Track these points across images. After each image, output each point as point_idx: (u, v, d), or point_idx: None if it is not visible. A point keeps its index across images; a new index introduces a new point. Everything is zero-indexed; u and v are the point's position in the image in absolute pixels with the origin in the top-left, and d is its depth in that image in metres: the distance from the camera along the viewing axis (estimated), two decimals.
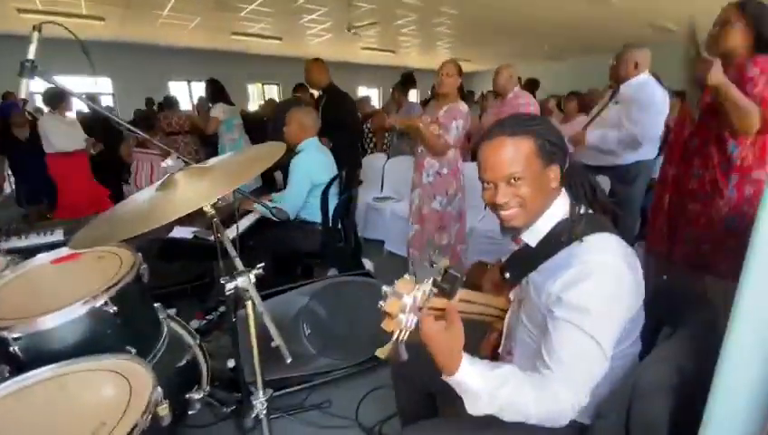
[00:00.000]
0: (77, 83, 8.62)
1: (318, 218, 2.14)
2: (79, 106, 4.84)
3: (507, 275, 0.95)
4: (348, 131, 3.21)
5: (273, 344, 1.86)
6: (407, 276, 0.64)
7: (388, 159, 3.89)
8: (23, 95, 0.98)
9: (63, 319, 0.84)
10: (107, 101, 8.80)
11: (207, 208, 0.82)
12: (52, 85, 1.05)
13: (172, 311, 1.55)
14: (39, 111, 4.02)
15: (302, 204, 2.13)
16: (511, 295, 1.00)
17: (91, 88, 8.10)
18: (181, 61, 9.36)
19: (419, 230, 2.47)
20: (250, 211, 2.16)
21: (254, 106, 9.80)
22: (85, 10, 6.02)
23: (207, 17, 6.74)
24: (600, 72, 3.25)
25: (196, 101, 6.92)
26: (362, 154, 4.29)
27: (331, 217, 2.13)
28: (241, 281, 0.82)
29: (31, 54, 0.95)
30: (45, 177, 3.50)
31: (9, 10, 5.95)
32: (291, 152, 2.33)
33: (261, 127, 4.53)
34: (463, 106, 2.26)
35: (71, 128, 3.34)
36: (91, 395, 0.75)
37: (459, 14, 6.74)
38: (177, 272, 2.42)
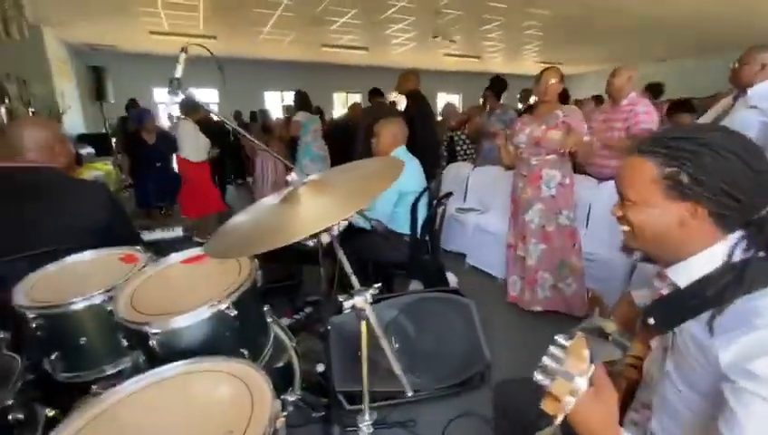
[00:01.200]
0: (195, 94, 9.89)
1: (406, 229, 2.11)
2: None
3: (652, 320, 0.81)
4: (425, 136, 3.19)
5: (360, 353, 1.84)
6: (579, 335, 0.55)
7: (474, 167, 3.76)
8: (168, 109, 1.10)
9: (193, 320, 0.90)
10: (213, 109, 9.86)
11: None
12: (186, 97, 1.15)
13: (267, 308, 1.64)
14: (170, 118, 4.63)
15: (391, 214, 2.13)
16: (653, 342, 0.85)
17: (201, 97, 9.16)
18: (275, 72, 10.20)
19: (547, 250, 2.29)
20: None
21: (337, 113, 10.28)
22: (202, 30, 6.84)
23: (302, 32, 7.22)
24: (708, 74, 2.80)
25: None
26: (451, 162, 4.22)
27: (419, 229, 2.10)
28: (359, 301, 0.81)
29: (178, 73, 1.06)
30: (166, 178, 4.08)
31: (144, 33, 7.01)
32: None
33: (346, 131, 4.71)
34: (578, 110, 2.12)
35: (200, 138, 3.94)
36: (214, 398, 0.78)
37: (551, 15, 6.33)
38: (271, 271, 2.57)
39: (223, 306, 0.92)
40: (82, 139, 6.66)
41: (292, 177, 0.89)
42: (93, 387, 1.05)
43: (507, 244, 2.55)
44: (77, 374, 1.04)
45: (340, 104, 11.67)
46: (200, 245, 2.09)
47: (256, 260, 1.08)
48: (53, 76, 6.45)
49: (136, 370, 1.10)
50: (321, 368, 1.68)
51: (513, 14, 6.27)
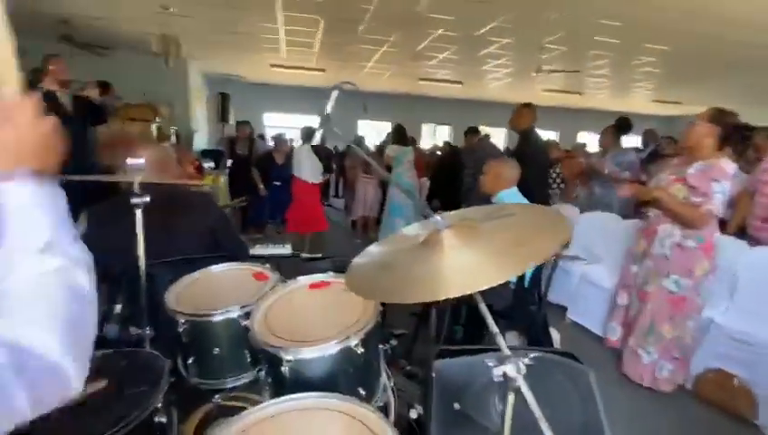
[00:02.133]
0: (295, 120, 10.93)
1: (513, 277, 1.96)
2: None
3: None
4: (537, 177, 2.99)
5: (456, 407, 1.70)
6: None
7: (581, 212, 3.44)
8: (315, 142, 1.17)
9: (324, 352, 0.89)
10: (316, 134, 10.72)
11: None
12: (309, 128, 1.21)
13: None
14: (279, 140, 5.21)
15: None
16: None
17: (305, 124, 10.07)
18: (372, 103, 10.80)
19: (641, 310, 2.00)
20: None
21: (425, 144, 10.44)
22: (315, 64, 7.55)
23: (402, 66, 7.56)
24: None
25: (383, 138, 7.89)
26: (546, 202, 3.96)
27: (528, 278, 1.93)
28: (511, 369, 0.73)
29: (328, 109, 1.12)
30: (282, 197, 4.57)
31: (265, 65, 7.94)
32: (486, 201, 2.27)
33: (449, 165, 4.79)
34: (727, 165, 1.77)
35: (316, 162, 4.36)
36: None
37: (671, 51, 5.74)
38: None
39: (353, 343, 0.90)
40: (205, 154, 7.67)
41: (436, 218, 0.85)
42: (216, 397, 1.10)
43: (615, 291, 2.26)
44: (204, 381, 1.10)
45: (428, 135, 11.87)
46: (311, 259, 2.19)
47: None
48: (191, 101, 7.60)
49: (251, 386, 1.14)
50: (414, 414, 1.58)
51: (625, 49, 5.84)
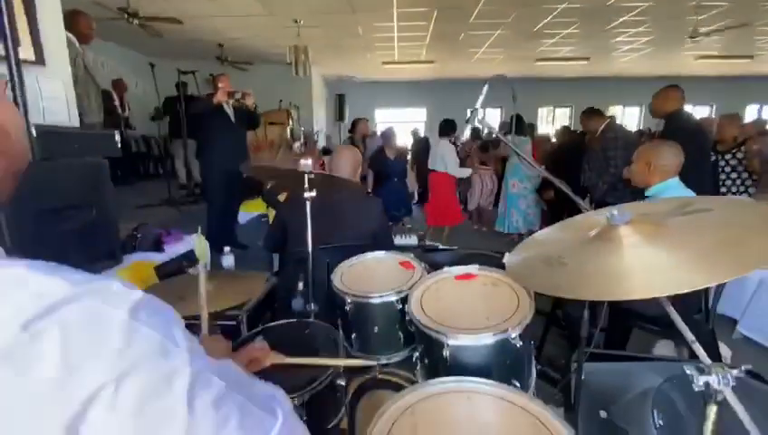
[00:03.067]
0: (398, 114, 11.19)
1: None
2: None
3: None
4: (696, 167, 2.52)
5: (602, 415, 1.58)
6: None
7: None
8: (464, 138, 1.21)
9: (481, 341, 0.93)
10: (420, 126, 10.84)
11: None
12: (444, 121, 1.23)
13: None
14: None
15: None
16: None
17: (410, 117, 10.23)
18: (478, 90, 10.42)
19: None
20: None
21: (542, 129, 9.66)
22: (424, 57, 7.61)
23: (516, 49, 7.11)
24: None
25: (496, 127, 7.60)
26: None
27: None
28: (715, 381, 0.66)
29: (478, 104, 1.14)
30: (403, 192, 4.70)
31: (377, 64, 8.29)
32: (637, 196, 2.02)
33: (568, 152, 4.35)
34: None
35: (454, 155, 4.40)
36: (508, 429, 0.78)
37: None
38: None
39: (512, 335, 0.92)
40: (326, 152, 8.45)
41: (612, 212, 0.80)
42: (373, 370, 1.23)
43: None
44: (364, 355, 1.24)
45: (545, 119, 10.95)
46: (432, 250, 2.27)
47: (532, 292, 1.04)
48: (314, 103, 8.41)
49: (402, 364, 1.24)
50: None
51: None
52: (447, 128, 4.25)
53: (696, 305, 1.79)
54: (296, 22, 5.39)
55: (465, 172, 4.42)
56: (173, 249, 2.26)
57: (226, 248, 1.97)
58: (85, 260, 1.63)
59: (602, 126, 3.20)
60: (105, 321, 0.30)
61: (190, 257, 1.93)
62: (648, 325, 1.91)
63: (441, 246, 2.58)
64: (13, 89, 1.52)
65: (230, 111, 3.52)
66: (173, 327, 0.35)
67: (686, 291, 0.62)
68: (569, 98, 10.41)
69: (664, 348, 1.88)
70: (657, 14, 5.24)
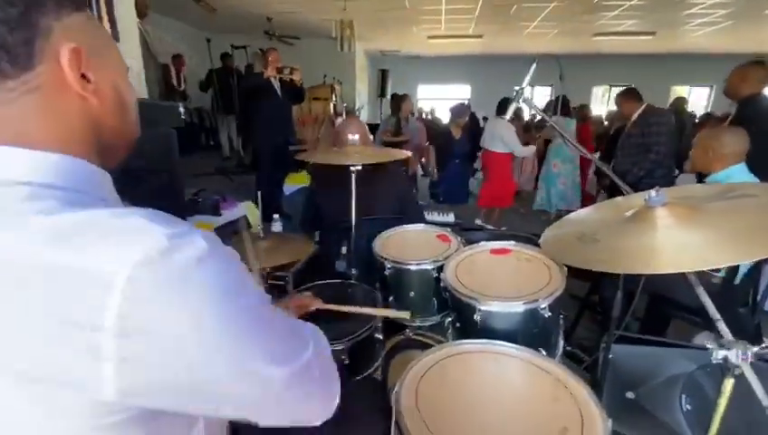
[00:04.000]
0: (442, 90, 10.88)
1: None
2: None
3: None
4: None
5: (628, 395, 1.61)
6: None
7: None
8: (508, 117, 1.24)
9: (511, 308, 1.00)
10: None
11: None
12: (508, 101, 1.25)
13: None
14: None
15: None
16: None
17: (453, 94, 9.97)
18: (527, 67, 9.92)
19: None
20: None
21: (597, 109, 9.12)
22: (472, 31, 7.34)
23: (572, 22, 6.68)
24: None
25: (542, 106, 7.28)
26: None
27: (742, 273, 1.61)
28: (734, 355, 0.70)
29: (524, 83, 1.16)
30: (461, 177, 4.45)
31: (423, 38, 8.11)
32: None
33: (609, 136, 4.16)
34: None
35: (513, 134, 4.07)
36: (538, 391, 0.84)
37: None
38: None
39: (541, 305, 0.98)
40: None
41: (650, 194, 0.82)
42: (407, 330, 1.34)
43: None
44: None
45: (600, 100, 10.29)
46: (469, 229, 2.32)
47: (566, 268, 1.09)
48: (356, 80, 8.42)
49: (434, 328, 1.34)
50: None
51: None
52: (503, 107, 4.05)
53: (743, 299, 1.73)
54: None
55: (530, 151, 4.16)
56: (229, 214, 2.47)
57: (275, 216, 2.14)
58: None
59: (639, 110, 2.97)
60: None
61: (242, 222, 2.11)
62: (689, 316, 1.87)
63: (483, 225, 2.57)
64: None
65: (277, 86, 3.66)
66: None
67: (712, 268, 0.65)
68: (628, 76, 9.67)
69: (703, 340, 1.84)
70: None
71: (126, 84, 0.53)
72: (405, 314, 1.13)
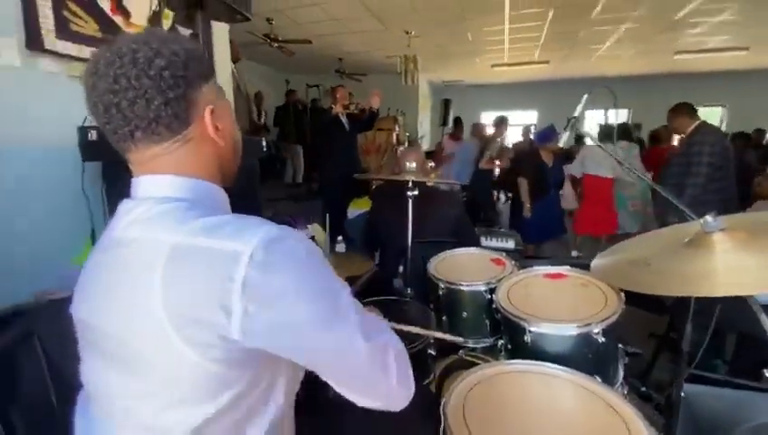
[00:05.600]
0: (512, 116, 10.72)
1: None
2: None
3: None
4: None
5: None
6: None
7: None
8: (561, 144, 1.28)
9: (563, 331, 1.01)
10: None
11: None
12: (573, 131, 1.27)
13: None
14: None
15: None
16: None
17: (520, 119, 9.82)
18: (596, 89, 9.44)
19: None
20: None
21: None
22: (537, 57, 7.28)
23: (649, 42, 6.32)
24: None
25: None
26: None
27: None
28: None
29: (576, 113, 1.20)
30: (552, 211, 3.94)
31: (486, 67, 8.20)
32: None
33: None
34: None
35: (604, 158, 3.94)
36: (580, 410, 0.85)
37: None
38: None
39: (594, 330, 0.98)
40: (427, 155, 8.71)
41: (707, 219, 0.81)
42: (460, 351, 1.37)
43: None
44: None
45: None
46: (531, 257, 2.29)
47: (623, 294, 1.07)
48: (419, 109, 8.72)
49: (488, 350, 1.35)
50: None
51: None
52: (607, 133, 4.11)
53: None
54: (408, 33, 5.72)
55: (603, 173, 3.96)
56: None
57: (339, 238, 2.32)
58: None
59: (692, 127, 2.70)
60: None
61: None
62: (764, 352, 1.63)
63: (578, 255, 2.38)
64: None
65: (345, 121, 3.98)
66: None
67: (756, 292, 0.63)
68: (719, 95, 8.76)
69: None
70: None
71: (236, 129, 0.72)
72: (458, 339, 1.18)
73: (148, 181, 0.59)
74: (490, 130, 5.11)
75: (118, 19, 2.34)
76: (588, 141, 4.29)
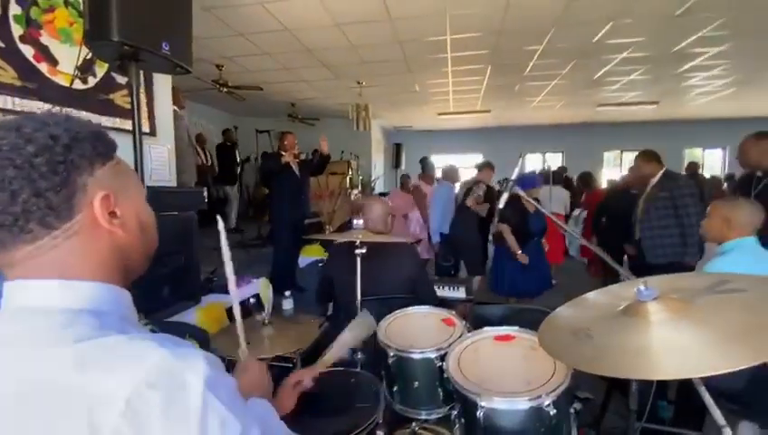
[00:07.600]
0: (454, 160, 11.32)
1: None
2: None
3: None
4: None
5: None
6: None
7: None
8: (501, 205, 1.31)
9: (513, 406, 0.96)
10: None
11: None
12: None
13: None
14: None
15: None
16: None
17: (466, 162, 10.34)
18: (536, 136, 10.31)
19: None
20: None
21: (610, 174, 9.23)
22: (479, 107, 7.83)
23: (576, 96, 7.06)
24: None
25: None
26: None
27: None
28: None
29: (514, 175, 1.24)
30: (537, 260, 3.64)
31: (433, 115, 8.65)
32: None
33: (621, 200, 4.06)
34: None
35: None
36: None
37: None
38: None
39: (544, 403, 0.94)
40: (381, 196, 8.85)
41: (640, 288, 0.83)
42: (413, 424, 1.28)
43: None
44: (404, 408, 1.29)
45: (612, 163, 10.43)
46: (481, 304, 2.28)
47: None
48: (372, 153, 8.93)
49: (442, 421, 1.27)
50: None
51: None
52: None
53: None
54: (359, 83, 5.95)
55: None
56: (243, 292, 2.53)
57: (287, 293, 2.18)
58: (172, 300, 1.92)
59: (659, 173, 2.88)
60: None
61: (256, 301, 2.16)
62: (726, 403, 1.70)
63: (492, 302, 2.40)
64: (135, 158, 1.90)
65: (295, 167, 3.94)
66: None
67: (707, 375, 0.63)
68: (639, 140, 9.88)
69: (746, 431, 1.66)
70: (733, 56, 4.96)
71: (145, 208, 0.61)
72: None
73: (18, 288, 0.48)
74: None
75: (42, 66, 2.18)
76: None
